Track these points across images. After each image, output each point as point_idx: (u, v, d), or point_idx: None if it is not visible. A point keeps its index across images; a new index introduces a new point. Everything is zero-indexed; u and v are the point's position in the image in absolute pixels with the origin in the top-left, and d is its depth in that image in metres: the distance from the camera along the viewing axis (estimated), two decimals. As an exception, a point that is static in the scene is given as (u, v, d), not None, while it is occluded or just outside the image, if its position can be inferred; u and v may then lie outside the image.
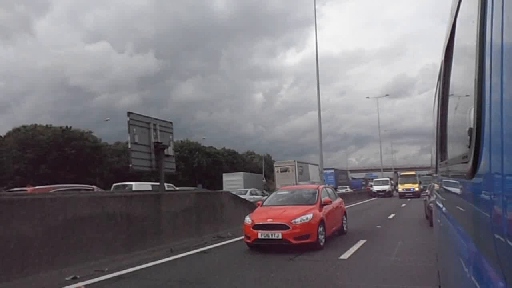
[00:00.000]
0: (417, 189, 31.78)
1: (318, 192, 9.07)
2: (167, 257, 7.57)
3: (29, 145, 40.82)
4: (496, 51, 0.85)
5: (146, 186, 17.40)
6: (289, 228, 7.54)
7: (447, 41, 2.07)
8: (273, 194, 10.44)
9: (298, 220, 7.65)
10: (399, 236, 9.50)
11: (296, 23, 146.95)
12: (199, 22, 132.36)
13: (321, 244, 7.86)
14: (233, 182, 32.92)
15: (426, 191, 15.03)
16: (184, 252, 8.12)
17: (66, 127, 44.99)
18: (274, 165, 35.91)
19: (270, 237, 7.63)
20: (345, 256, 7.11)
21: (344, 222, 10.22)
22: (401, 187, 33.53)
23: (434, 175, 3.19)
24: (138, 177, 43.94)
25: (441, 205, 2.44)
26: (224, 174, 37.45)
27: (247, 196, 19.61)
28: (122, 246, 7.44)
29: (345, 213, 10.58)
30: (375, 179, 44.81)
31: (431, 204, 10.13)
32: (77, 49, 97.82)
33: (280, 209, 8.47)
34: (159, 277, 6.03)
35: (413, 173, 37.07)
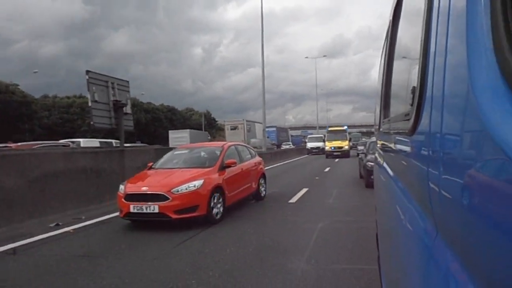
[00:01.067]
0: (346, 147, 28.52)
1: (222, 152, 7.40)
2: (136, 206, 8.36)
3: None
4: (443, 12, 0.88)
5: (94, 142, 17.49)
6: (168, 199, 5.93)
7: (395, 0, 2.09)
8: (169, 153, 8.24)
9: (182, 188, 6.07)
10: (335, 186, 11.16)
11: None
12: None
13: (217, 217, 6.38)
14: (179, 139, 33.57)
15: (359, 147, 15.22)
16: (149, 202, 8.95)
17: (-12, 79, 41.06)
18: (225, 123, 38.74)
19: (145, 210, 5.98)
20: (293, 200, 8.51)
21: (261, 185, 8.69)
22: (328, 145, 29.23)
23: (377, 132, 3.38)
24: (72, 134, 42.01)
25: (382, 161, 2.52)
26: (170, 131, 38.03)
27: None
28: (94, 198, 8.08)
29: (263, 175, 8.89)
30: (309, 136, 43.30)
31: (368, 164, 9.39)
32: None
33: (166, 173, 6.79)
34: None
35: (342, 128, 32.32)
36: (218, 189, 6.57)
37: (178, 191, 6.05)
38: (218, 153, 7.42)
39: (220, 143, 8.52)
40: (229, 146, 7.98)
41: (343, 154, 27.82)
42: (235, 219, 6.70)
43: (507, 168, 0.53)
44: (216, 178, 6.69)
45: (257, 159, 9.10)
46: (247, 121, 35.88)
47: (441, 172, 0.81)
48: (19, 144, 11.94)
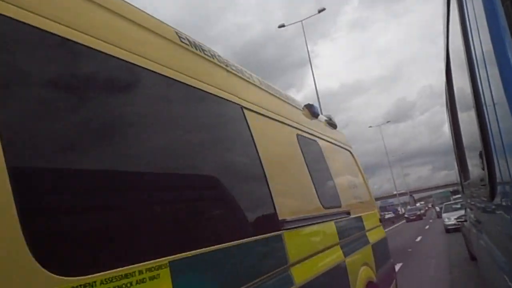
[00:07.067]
0: None
1: None
2: None
3: None
4: (483, 74, 0.84)
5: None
6: None
7: (445, 65, 2.06)
8: None
9: None
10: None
11: (292, 65, 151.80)
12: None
13: None
14: None
15: (447, 217, 12.28)
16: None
17: None
18: None
19: None
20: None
21: None
22: None
23: (462, 194, 3.21)
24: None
25: (476, 225, 2.35)
26: None
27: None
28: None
29: None
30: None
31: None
32: None
33: None
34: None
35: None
36: None
37: None
38: None
39: None
40: None
41: None
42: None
43: None
44: None
45: None
46: None
47: None
48: None
